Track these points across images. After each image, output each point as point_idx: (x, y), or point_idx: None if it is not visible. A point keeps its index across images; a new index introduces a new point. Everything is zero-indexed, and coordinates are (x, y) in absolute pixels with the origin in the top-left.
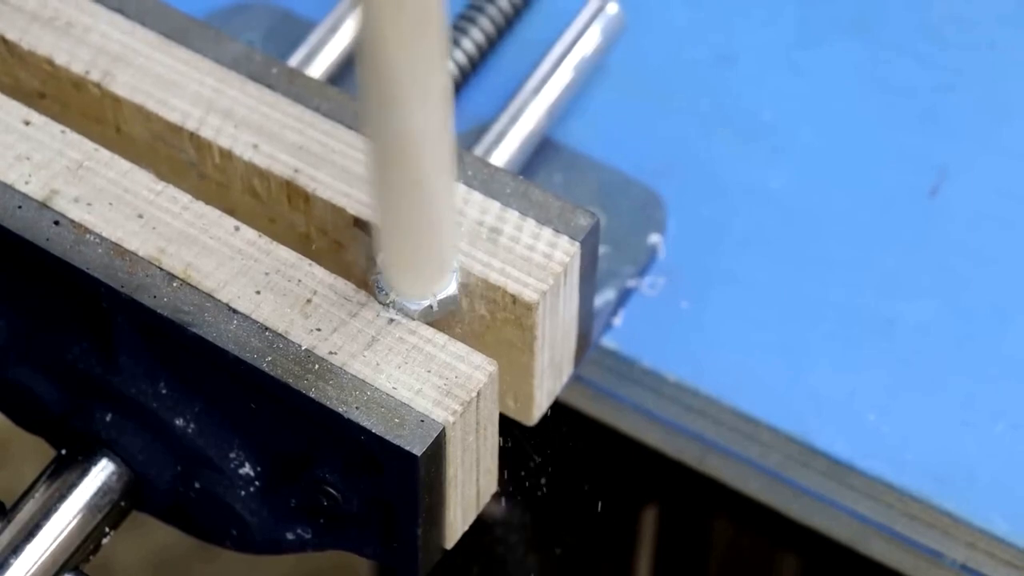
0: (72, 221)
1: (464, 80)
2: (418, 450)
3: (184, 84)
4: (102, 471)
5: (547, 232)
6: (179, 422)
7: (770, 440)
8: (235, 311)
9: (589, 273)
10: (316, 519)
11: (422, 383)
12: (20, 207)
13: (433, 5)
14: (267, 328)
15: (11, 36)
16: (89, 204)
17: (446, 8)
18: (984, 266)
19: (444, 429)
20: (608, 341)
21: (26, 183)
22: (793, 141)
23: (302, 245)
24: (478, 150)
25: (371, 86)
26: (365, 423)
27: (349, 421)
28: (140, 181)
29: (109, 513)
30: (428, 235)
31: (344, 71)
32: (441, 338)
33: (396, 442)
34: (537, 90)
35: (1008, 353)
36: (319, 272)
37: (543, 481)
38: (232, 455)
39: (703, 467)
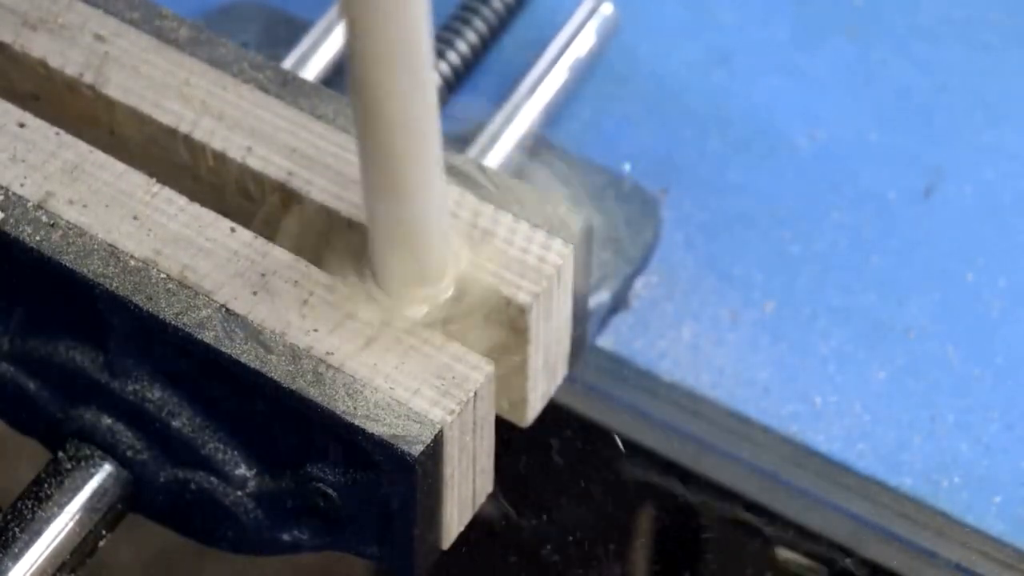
0: (67, 223)
1: (458, 81)
2: (416, 450)
3: (177, 86)
4: (98, 473)
5: (540, 235)
6: (175, 423)
7: (764, 440)
8: (232, 312)
9: (583, 275)
10: (313, 520)
11: (419, 383)
12: (15, 209)
13: (416, 14)
14: (264, 329)
15: (4, 39)
16: (84, 206)
17: (430, 16)
18: (978, 267)
19: (442, 429)
20: (603, 342)
21: (21, 185)
22: (787, 142)
23: (296, 247)
24: (472, 151)
25: (358, 93)
26: (362, 423)
27: (346, 421)
28: (136, 183)
29: (105, 515)
30: (421, 238)
31: (338, 73)
32: (438, 339)
33: (394, 442)
34: (532, 91)
35: (1002, 353)
36: (315, 273)
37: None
38: (228, 456)
39: (698, 467)
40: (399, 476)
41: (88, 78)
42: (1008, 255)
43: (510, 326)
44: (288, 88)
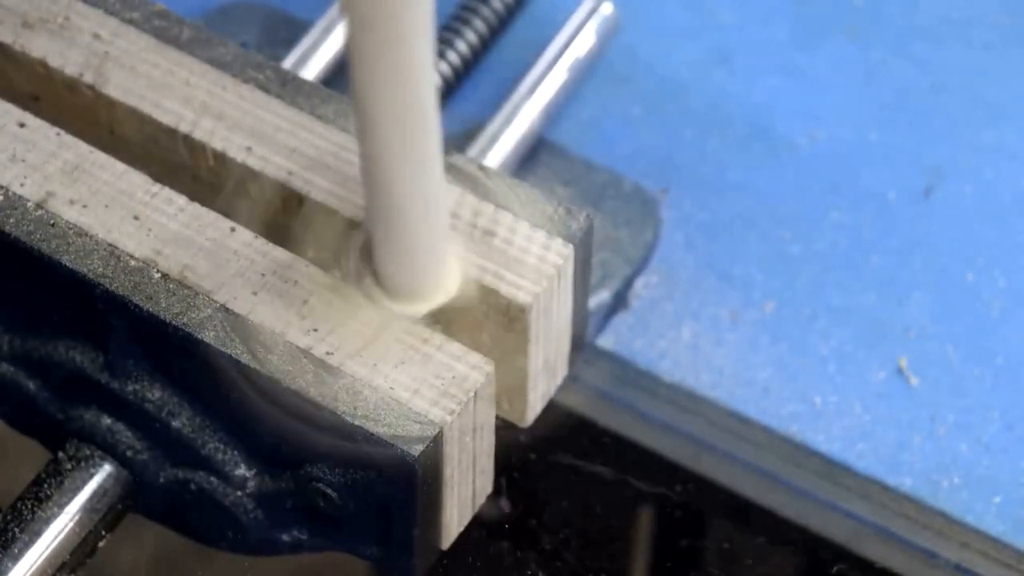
0: (67, 223)
1: (458, 81)
2: (416, 450)
3: (177, 86)
4: (98, 473)
5: (541, 234)
6: (175, 423)
7: (764, 440)
8: (232, 312)
9: (583, 275)
10: (312, 520)
11: (419, 383)
12: (15, 209)
13: (419, 14)
14: (264, 329)
15: (4, 39)
16: (85, 206)
17: (433, 15)
18: (978, 267)
19: (441, 429)
20: (603, 342)
21: (21, 185)
22: (787, 142)
23: (296, 247)
24: (472, 151)
25: (358, 94)
26: (362, 423)
27: (346, 421)
28: (136, 183)
29: (105, 516)
30: (422, 246)
31: (338, 73)
32: (438, 338)
33: (394, 442)
34: (531, 91)
35: (1002, 353)
36: (315, 273)
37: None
38: (228, 456)
39: (698, 467)
40: (399, 476)
41: (88, 78)
42: (1008, 255)
43: (510, 326)
44: (288, 88)
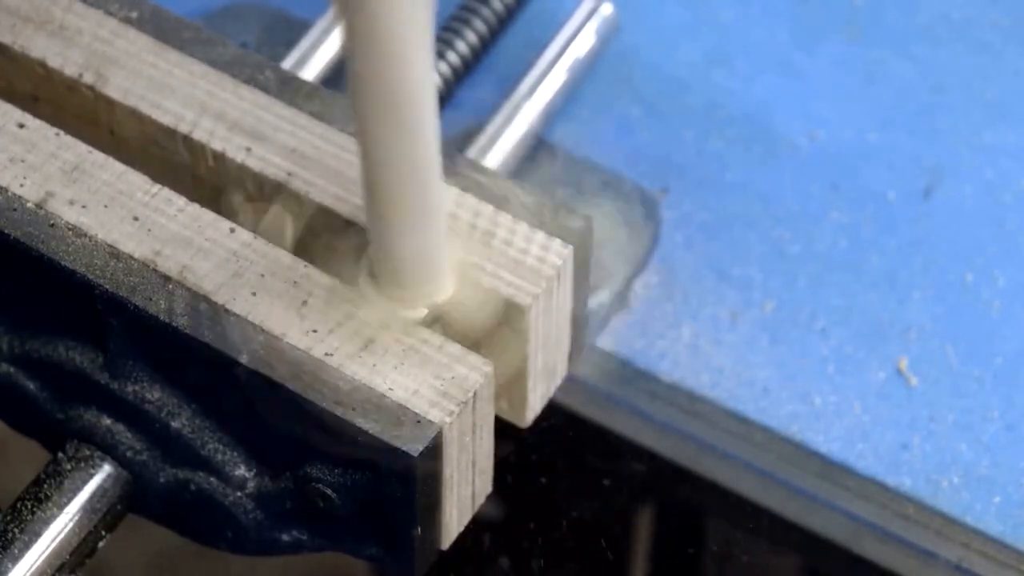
0: (67, 223)
1: (458, 81)
2: (415, 450)
3: (177, 87)
4: (98, 474)
5: (540, 235)
6: (174, 424)
7: (764, 441)
8: (231, 313)
9: (582, 275)
10: (312, 520)
11: (419, 384)
12: (15, 209)
13: (416, 14)
14: (263, 330)
15: (4, 39)
16: (84, 206)
17: (432, 13)
18: (978, 267)
19: (441, 430)
20: (602, 342)
21: (21, 185)
22: (787, 142)
23: (295, 247)
24: (472, 152)
25: (357, 93)
26: (362, 424)
27: (346, 422)
28: (135, 183)
29: (105, 516)
30: (420, 239)
31: (338, 73)
32: (437, 339)
33: (393, 442)
34: (531, 91)
35: (1002, 353)
36: (315, 274)
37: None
38: (228, 456)
39: (697, 468)
40: (398, 477)
41: (87, 78)
42: (1008, 255)
43: (509, 327)
44: (288, 88)
